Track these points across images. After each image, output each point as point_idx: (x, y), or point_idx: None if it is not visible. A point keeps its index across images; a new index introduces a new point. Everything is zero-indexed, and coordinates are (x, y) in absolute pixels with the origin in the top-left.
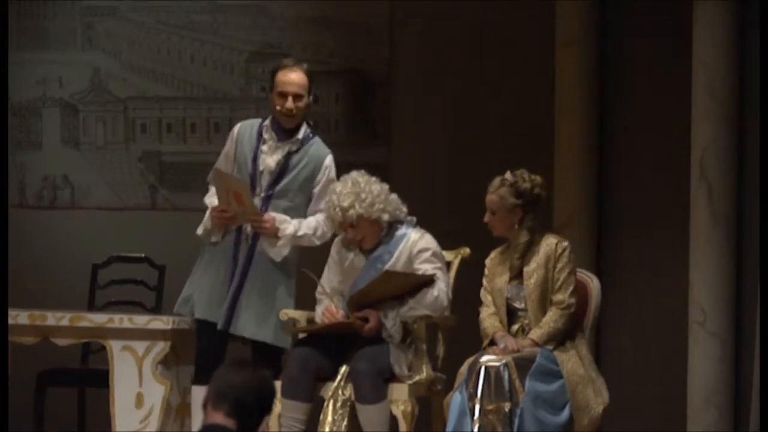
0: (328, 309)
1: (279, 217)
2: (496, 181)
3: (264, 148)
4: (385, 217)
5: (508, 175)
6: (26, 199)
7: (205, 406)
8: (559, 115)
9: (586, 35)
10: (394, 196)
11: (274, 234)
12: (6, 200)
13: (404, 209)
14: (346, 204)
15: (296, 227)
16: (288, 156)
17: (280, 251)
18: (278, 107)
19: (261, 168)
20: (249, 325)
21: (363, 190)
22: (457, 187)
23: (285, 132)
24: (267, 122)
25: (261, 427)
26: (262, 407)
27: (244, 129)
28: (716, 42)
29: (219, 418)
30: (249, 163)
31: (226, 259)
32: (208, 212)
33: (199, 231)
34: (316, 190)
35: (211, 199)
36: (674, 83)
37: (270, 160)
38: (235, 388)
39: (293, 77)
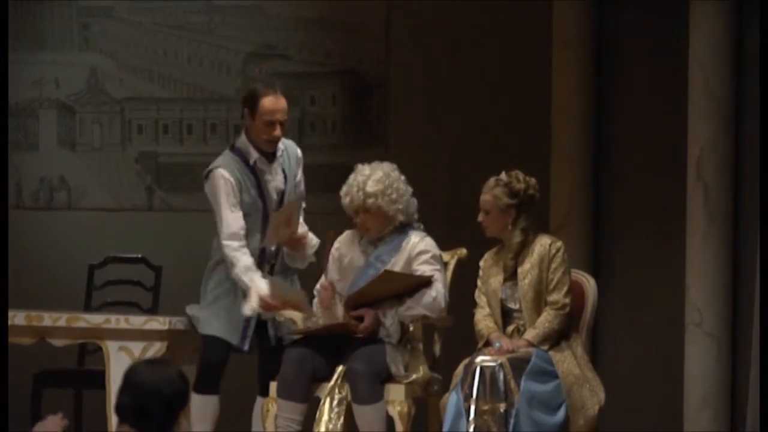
0: (323, 285)
1: (302, 230)
2: (491, 181)
3: (267, 177)
4: (400, 217)
5: (502, 175)
6: (23, 200)
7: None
8: (556, 115)
9: (583, 35)
10: (414, 200)
11: (304, 247)
12: (6, 201)
13: (416, 215)
14: (371, 190)
15: (309, 233)
16: (282, 168)
17: (309, 259)
18: (265, 136)
19: (273, 195)
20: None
21: (391, 185)
22: (454, 188)
23: (270, 153)
24: (255, 158)
25: (179, 424)
26: (170, 409)
27: (234, 172)
28: (713, 42)
29: (126, 428)
30: (258, 201)
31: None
32: (254, 298)
33: (248, 312)
34: (296, 181)
35: (255, 283)
36: (671, 83)
37: (278, 182)
38: (139, 398)
39: (281, 104)
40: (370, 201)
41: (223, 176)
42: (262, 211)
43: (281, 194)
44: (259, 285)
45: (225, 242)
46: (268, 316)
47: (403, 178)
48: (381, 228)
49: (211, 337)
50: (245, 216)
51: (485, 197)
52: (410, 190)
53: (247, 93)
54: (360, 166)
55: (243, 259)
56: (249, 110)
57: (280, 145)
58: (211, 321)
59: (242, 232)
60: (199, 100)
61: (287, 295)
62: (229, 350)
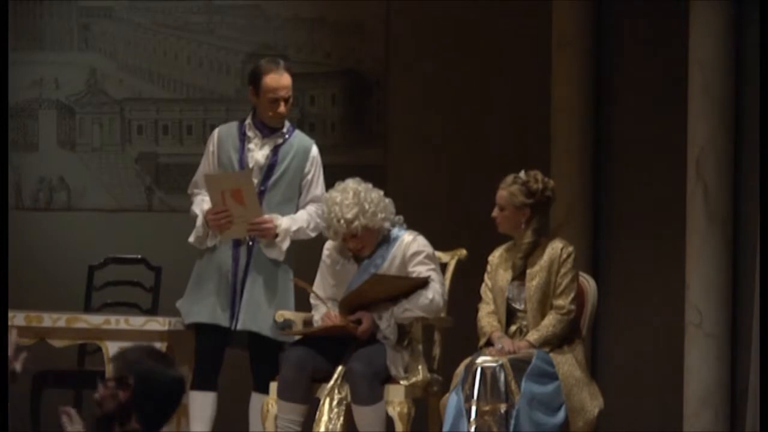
0: (327, 315)
1: (272, 216)
2: (509, 178)
3: (251, 146)
4: (387, 225)
5: (521, 173)
6: (22, 200)
7: (119, 411)
8: (555, 114)
9: (582, 35)
10: (389, 201)
11: (274, 235)
12: (6, 201)
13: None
14: (350, 216)
15: (290, 222)
16: (275, 149)
17: (281, 249)
18: (270, 113)
19: (251, 165)
20: (252, 320)
21: (365, 200)
22: (453, 188)
23: (269, 128)
24: (249, 120)
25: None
26: (170, 405)
27: (224, 132)
28: (712, 41)
29: (131, 426)
30: (235, 164)
31: (226, 263)
32: (199, 219)
33: (191, 239)
34: (306, 180)
35: (201, 206)
36: (670, 83)
37: (259, 155)
38: (144, 396)
39: (284, 81)
40: (354, 225)
41: (214, 133)
42: None
43: (265, 171)
44: (204, 208)
45: (189, 190)
46: (217, 241)
47: (369, 185)
48: (372, 242)
49: (201, 328)
50: None
51: (501, 193)
52: (381, 192)
53: (251, 69)
54: (326, 196)
55: (198, 198)
56: (252, 87)
57: (288, 129)
58: (193, 308)
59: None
60: (199, 100)
61: (232, 182)
62: (224, 343)
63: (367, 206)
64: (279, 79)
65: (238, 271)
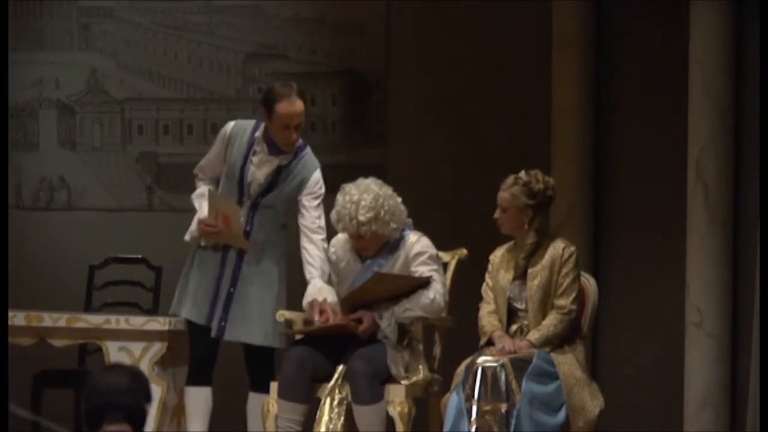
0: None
1: (324, 299)
2: (510, 179)
3: (254, 159)
4: (396, 234)
5: (522, 174)
6: (23, 200)
7: (96, 419)
8: (556, 115)
9: (583, 35)
10: (403, 208)
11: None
12: (6, 201)
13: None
14: (363, 219)
15: (328, 287)
16: (278, 170)
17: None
18: (281, 139)
19: (249, 179)
20: (242, 331)
21: (382, 207)
22: (454, 188)
23: (278, 147)
24: (259, 134)
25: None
26: (146, 400)
27: (237, 131)
28: (712, 41)
29: (119, 427)
30: (237, 171)
31: (214, 262)
32: (195, 219)
33: (187, 237)
34: (304, 200)
35: (200, 202)
36: (671, 83)
37: (259, 173)
38: (122, 396)
39: (296, 109)
40: (364, 229)
41: (228, 127)
42: (237, 183)
43: (262, 187)
44: (203, 210)
45: (195, 171)
46: (209, 242)
47: (389, 190)
48: (378, 245)
49: (193, 324)
50: (226, 177)
51: (503, 195)
52: (399, 199)
53: (265, 92)
54: (346, 188)
55: (200, 188)
56: (265, 111)
57: (298, 147)
58: (179, 302)
59: (211, 175)
60: (199, 100)
61: (225, 208)
62: (217, 339)
63: (382, 213)
64: (291, 108)
65: (224, 273)
